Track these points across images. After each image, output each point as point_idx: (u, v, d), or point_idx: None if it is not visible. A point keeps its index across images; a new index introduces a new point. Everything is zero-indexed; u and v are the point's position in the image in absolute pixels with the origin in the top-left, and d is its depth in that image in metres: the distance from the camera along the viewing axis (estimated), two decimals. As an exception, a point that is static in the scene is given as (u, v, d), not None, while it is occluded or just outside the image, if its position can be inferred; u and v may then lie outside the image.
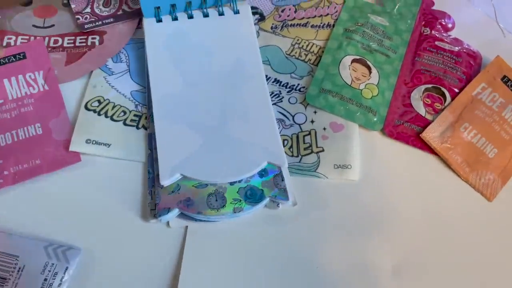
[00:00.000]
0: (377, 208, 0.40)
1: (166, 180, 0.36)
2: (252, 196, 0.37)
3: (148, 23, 0.44)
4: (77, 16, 0.46)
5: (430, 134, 0.42)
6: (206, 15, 0.44)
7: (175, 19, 0.44)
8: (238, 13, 0.45)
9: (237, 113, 0.40)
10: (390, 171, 0.42)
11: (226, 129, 0.39)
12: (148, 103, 0.42)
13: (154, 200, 0.37)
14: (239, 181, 0.38)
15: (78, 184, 0.39)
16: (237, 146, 0.38)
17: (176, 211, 0.36)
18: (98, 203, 0.38)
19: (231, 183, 0.38)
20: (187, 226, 0.38)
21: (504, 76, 0.46)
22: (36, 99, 0.41)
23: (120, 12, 0.47)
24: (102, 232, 0.37)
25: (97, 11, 0.47)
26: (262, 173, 0.38)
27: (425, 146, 0.42)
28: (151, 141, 0.40)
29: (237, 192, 0.37)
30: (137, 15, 0.47)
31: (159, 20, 0.44)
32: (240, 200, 0.37)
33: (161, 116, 0.39)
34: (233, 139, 0.38)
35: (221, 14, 0.45)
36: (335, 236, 0.38)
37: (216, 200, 0.37)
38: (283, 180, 0.38)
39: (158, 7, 0.43)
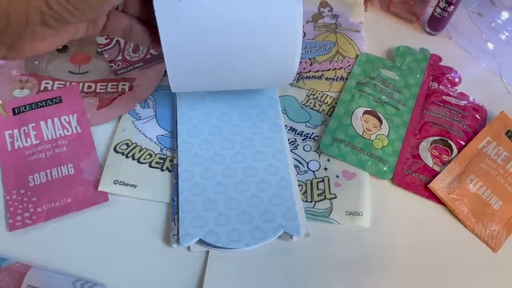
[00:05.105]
0: (385, 255, 0.42)
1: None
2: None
3: None
4: (110, 64, 0.50)
5: (438, 185, 0.45)
6: None
7: None
8: None
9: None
10: (399, 219, 0.44)
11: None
12: (175, 137, 0.45)
13: (177, 226, 0.40)
14: None
15: (104, 223, 0.41)
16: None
17: (196, 238, 0.39)
18: (122, 240, 0.41)
19: None
20: (208, 251, 0.40)
21: (508, 131, 0.48)
22: (69, 140, 0.44)
23: (148, 56, 0.51)
24: (126, 268, 0.39)
25: (127, 57, 0.51)
26: None
27: (433, 196, 0.45)
28: (176, 171, 0.43)
29: None
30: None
31: None
32: None
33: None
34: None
35: None
36: (343, 278, 0.40)
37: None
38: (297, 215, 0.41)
39: None
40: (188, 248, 0.40)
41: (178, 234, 0.39)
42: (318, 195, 0.44)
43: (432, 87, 0.52)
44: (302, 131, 0.48)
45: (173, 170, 0.44)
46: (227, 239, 0.39)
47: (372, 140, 0.47)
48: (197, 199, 0.41)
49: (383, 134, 0.47)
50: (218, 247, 0.39)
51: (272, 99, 0.48)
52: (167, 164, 0.44)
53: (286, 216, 0.41)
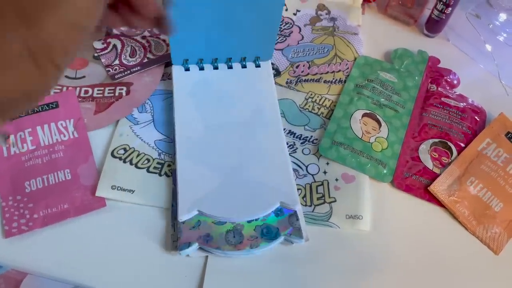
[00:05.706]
0: (385, 258, 0.41)
1: (184, 216, 0.39)
2: (268, 233, 0.39)
3: (177, 70, 0.48)
4: (107, 69, 0.49)
5: (438, 187, 0.44)
6: (230, 67, 0.48)
7: (202, 69, 0.48)
8: (260, 67, 0.49)
9: (254, 156, 0.43)
10: (399, 222, 0.43)
11: (243, 170, 0.42)
12: (173, 142, 0.45)
13: (176, 232, 0.39)
14: (256, 219, 0.40)
15: (102, 228, 0.41)
16: (252, 186, 0.41)
17: (195, 246, 0.38)
18: (121, 246, 0.40)
19: (248, 221, 0.40)
20: (207, 257, 0.40)
21: (508, 132, 0.48)
22: (66, 146, 0.44)
23: (145, 60, 0.51)
24: (124, 275, 0.39)
25: (124, 62, 0.51)
26: (278, 212, 0.40)
27: (433, 199, 0.44)
28: (175, 176, 0.42)
29: (254, 230, 0.40)
30: (162, 60, 0.51)
31: (187, 69, 0.48)
32: (257, 237, 0.39)
33: (183, 155, 0.42)
34: (249, 180, 0.41)
35: (243, 67, 0.49)
36: (343, 281, 0.40)
37: (234, 237, 0.39)
38: (297, 219, 0.40)
39: (187, 60, 0.47)
40: (187, 254, 0.40)
41: (177, 239, 0.39)
42: (318, 199, 0.44)
43: (431, 89, 0.52)
44: (301, 135, 0.48)
45: (172, 175, 0.43)
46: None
47: (372, 143, 0.46)
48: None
49: (382, 137, 0.47)
50: (216, 250, 0.39)
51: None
52: (165, 169, 0.44)
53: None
